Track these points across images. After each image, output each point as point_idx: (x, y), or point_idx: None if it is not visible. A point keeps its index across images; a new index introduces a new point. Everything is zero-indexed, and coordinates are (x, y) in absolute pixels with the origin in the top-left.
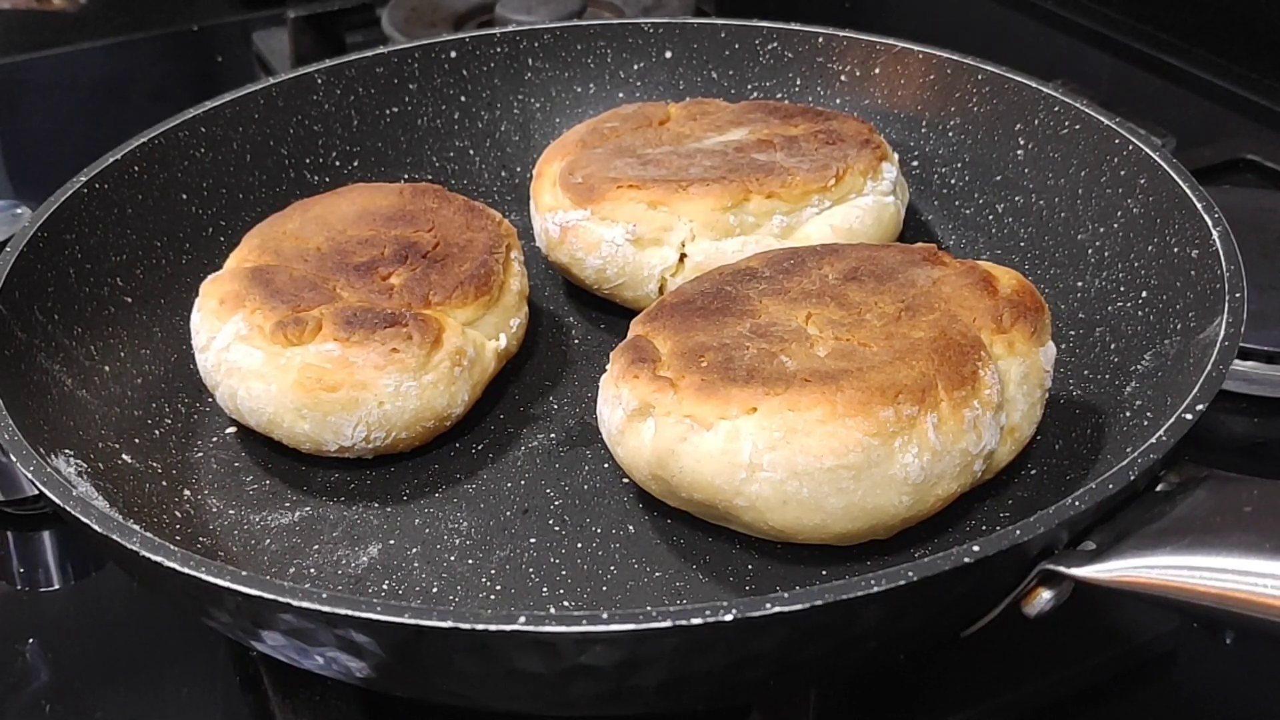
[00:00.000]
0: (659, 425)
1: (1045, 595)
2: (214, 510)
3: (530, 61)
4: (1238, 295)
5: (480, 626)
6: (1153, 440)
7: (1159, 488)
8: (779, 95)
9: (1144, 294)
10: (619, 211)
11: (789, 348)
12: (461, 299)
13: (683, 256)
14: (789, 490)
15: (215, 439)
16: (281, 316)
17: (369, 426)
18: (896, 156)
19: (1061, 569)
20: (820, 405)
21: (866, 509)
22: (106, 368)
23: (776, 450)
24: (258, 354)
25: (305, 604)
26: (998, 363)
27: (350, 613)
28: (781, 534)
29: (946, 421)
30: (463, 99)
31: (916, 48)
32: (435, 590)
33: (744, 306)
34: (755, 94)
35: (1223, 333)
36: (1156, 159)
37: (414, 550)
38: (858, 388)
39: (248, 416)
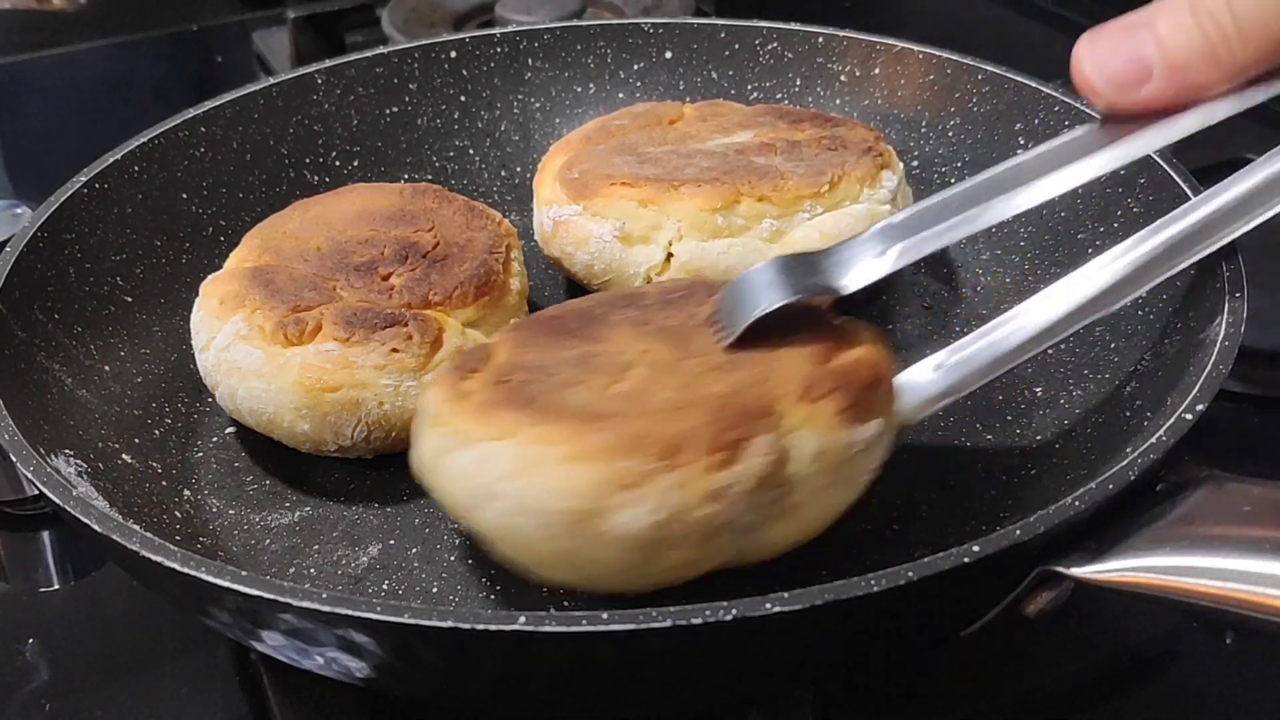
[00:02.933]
0: (433, 435)
1: (1045, 595)
2: (214, 510)
3: (530, 61)
4: (1238, 295)
5: (480, 626)
6: (1153, 440)
7: (1159, 488)
8: (779, 95)
9: (1144, 293)
10: (610, 208)
11: (593, 381)
12: (462, 299)
13: (670, 256)
14: (514, 524)
15: (215, 439)
16: (281, 316)
17: (369, 426)
18: (901, 166)
19: (1061, 569)
20: (567, 443)
21: (584, 560)
22: (106, 367)
23: (512, 481)
24: (258, 354)
25: (305, 604)
26: (791, 435)
27: (350, 613)
28: (518, 568)
29: (688, 486)
30: (463, 99)
31: (916, 48)
32: (435, 590)
33: (596, 331)
34: (755, 94)
35: (1223, 333)
36: (1156, 159)
37: (414, 550)
38: (611, 432)
39: (248, 416)
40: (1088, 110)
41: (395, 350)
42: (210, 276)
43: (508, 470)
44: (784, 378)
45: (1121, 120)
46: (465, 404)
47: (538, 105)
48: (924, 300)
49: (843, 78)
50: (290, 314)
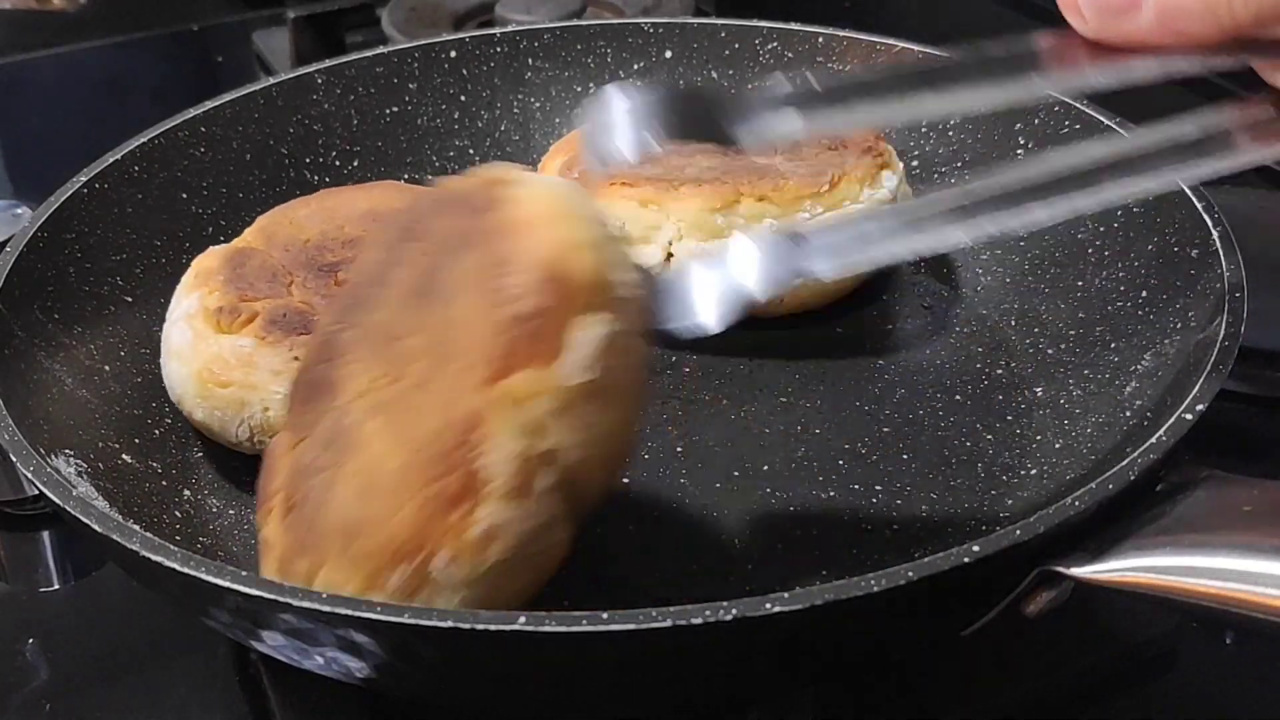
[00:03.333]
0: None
1: (1045, 595)
2: (214, 510)
3: (530, 61)
4: (1238, 295)
5: (480, 626)
6: (1153, 440)
7: (1159, 488)
8: None
9: (1144, 294)
10: (610, 209)
11: (341, 466)
12: None
13: (670, 255)
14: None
15: None
16: (226, 302)
17: (253, 429)
18: (901, 166)
19: (1061, 569)
20: (355, 578)
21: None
22: (107, 367)
23: None
24: (188, 334)
25: (305, 604)
26: (514, 424)
27: (350, 613)
28: None
29: (460, 556)
30: (463, 99)
31: (916, 48)
32: None
33: (335, 373)
34: None
35: (1223, 333)
36: None
37: None
38: (366, 552)
39: (170, 395)
40: (1088, 110)
41: (297, 359)
42: (210, 248)
43: None
44: (469, 365)
45: (1071, 47)
46: (270, 560)
47: (538, 105)
48: (924, 300)
49: None
50: (237, 301)
